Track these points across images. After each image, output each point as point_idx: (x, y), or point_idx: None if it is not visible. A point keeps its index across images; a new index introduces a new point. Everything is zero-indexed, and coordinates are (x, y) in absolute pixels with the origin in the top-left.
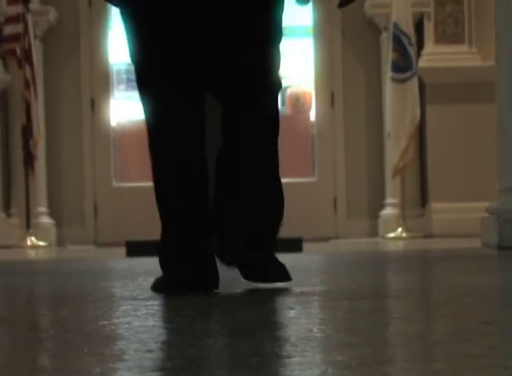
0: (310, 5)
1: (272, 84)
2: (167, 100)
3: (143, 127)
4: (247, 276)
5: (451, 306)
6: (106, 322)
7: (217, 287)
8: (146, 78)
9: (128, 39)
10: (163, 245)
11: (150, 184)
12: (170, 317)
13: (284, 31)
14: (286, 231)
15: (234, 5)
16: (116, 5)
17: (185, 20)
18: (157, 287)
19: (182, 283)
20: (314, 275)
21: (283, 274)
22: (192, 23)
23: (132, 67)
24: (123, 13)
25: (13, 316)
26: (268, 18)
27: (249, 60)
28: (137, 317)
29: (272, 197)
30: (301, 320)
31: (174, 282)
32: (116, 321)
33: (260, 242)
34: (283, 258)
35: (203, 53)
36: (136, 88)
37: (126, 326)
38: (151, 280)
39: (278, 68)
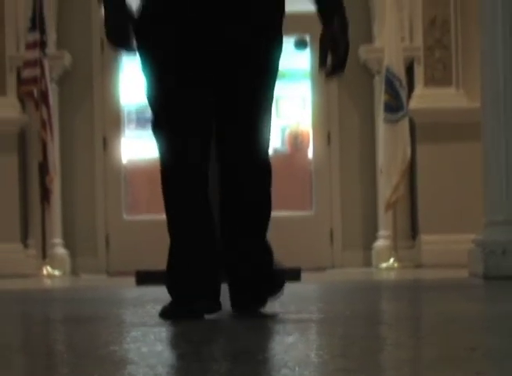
0: (308, 50)
1: (266, 139)
2: (178, 141)
3: (152, 164)
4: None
5: (440, 333)
6: (116, 347)
7: (217, 311)
8: (161, 120)
9: (146, 84)
10: (170, 273)
11: (158, 217)
12: (176, 343)
13: (284, 75)
14: (285, 261)
15: (239, 59)
16: (130, 50)
17: (195, 71)
18: (165, 313)
19: (188, 309)
20: (311, 303)
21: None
22: (203, 72)
23: (149, 109)
24: (142, 60)
25: (29, 341)
26: (266, 62)
27: (248, 108)
28: (146, 343)
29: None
30: (299, 346)
31: (180, 308)
32: (126, 346)
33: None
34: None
35: (211, 100)
36: (150, 127)
37: (135, 351)
38: (159, 308)
39: (269, 129)
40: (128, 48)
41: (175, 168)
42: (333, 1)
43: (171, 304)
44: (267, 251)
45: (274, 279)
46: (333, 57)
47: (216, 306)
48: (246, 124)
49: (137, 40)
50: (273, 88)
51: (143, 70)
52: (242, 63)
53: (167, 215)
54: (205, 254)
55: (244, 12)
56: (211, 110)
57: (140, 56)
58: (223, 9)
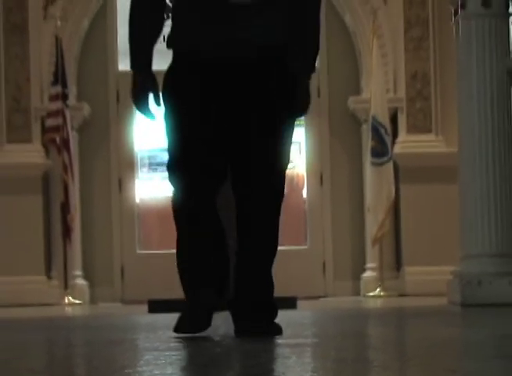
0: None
1: (280, 181)
2: (189, 183)
3: (162, 203)
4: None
5: (422, 356)
6: (131, 370)
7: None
8: (175, 165)
9: (167, 130)
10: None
11: (168, 251)
12: (185, 366)
13: None
14: (282, 291)
15: (249, 116)
16: (151, 117)
17: (208, 124)
18: (178, 328)
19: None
20: (306, 328)
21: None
22: (214, 126)
23: (161, 154)
24: (166, 109)
25: (52, 365)
26: (279, 123)
27: (260, 156)
28: (157, 366)
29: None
30: (296, 368)
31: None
32: (139, 369)
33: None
34: (281, 314)
35: (220, 148)
36: (166, 168)
37: (148, 374)
38: (169, 333)
39: (285, 162)
40: (149, 115)
41: (187, 206)
42: (309, 62)
43: (181, 318)
44: (271, 281)
45: (273, 308)
46: (299, 103)
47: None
48: (267, 160)
49: (163, 92)
50: (291, 134)
51: (165, 118)
52: (256, 118)
53: (178, 246)
54: (202, 281)
55: (263, 88)
56: (226, 157)
57: (165, 105)
58: (242, 78)
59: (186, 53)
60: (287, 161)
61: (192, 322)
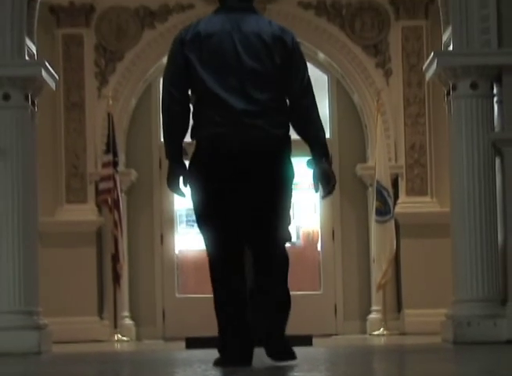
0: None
1: (282, 239)
2: (215, 238)
3: (198, 254)
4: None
5: None
6: None
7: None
8: (201, 223)
9: (192, 200)
10: (219, 338)
11: (203, 296)
12: None
13: (298, 186)
14: (300, 330)
15: (257, 190)
16: (182, 195)
17: (221, 200)
18: (217, 363)
19: (231, 362)
20: (321, 363)
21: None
22: (230, 196)
23: (194, 215)
24: (191, 186)
25: None
26: (282, 196)
27: (268, 222)
28: None
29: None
30: None
31: (226, 361)
32: None
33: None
34: (298, 350)
35: (237, 213)
36: (196, 227)
37: None
38: (204, 367)
39: (288, 226)
40: (180, 193)
41: (218, 258)
42: (322, 149)
43: (220, 358)
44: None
45: (289, 345)
46: (326, 186)
47: (248, 362)
48: (269, 230)
49: (189, 174)
50: (289, 204)
51: (191, 190)
52: (265, 190)
53: (215, 293)
54: (241, 324)
55: (268, 169)
56: (242, 220)
57: (190, 184)
58: (250, 165)
59: (205, 145)
60: (288, 224)
61: (241, 357)
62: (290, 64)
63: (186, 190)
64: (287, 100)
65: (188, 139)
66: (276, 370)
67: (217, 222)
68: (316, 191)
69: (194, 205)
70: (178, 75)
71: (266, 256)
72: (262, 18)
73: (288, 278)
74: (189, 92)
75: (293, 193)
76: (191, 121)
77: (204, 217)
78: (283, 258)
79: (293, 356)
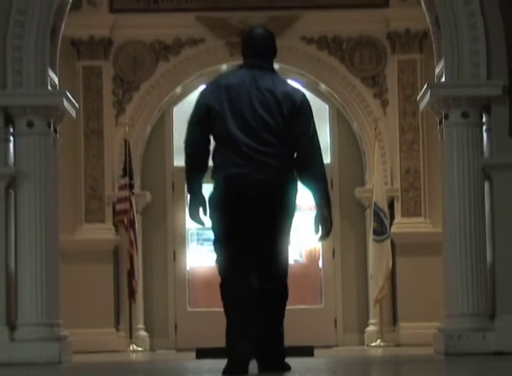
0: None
1: (283, 266)
2: (229, 257)
3: (208, 271)
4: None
5: None
6: None
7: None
8: (219, 243)
9: (212, 226)
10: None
11: (212, 309)
12: None
13: (300, 208)
14: (302, 341)
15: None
16: (201, 223)
17: (235, 228)
18: (224, 371)
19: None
20: (322, 372)
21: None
22: (242, 222)
23: (207, 232)
24: (210, 216)
25: None
26: (284, 224)
27: (268, 249)
28: None
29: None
30: None
31: (230, 365)
32: None
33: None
34: (300, 360)
35: (247, 237)
36: (210, 245)
37: None
38: (212, 375)
39: (287, 256)
40: (200, 222)
41: (226, 269)
42: (322, 198)
43: (227, 366)
44: (282, 336)
45: (284, 354)
46: (323, 230)
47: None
48: (270, 255)
49: (208, 206)
50: (290, 230)
51: (210, 217)
52: (268, 224)
53: (225, 304)
54: (245, 332)
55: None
56: (250, 241)
57: (210, 214)
58: (259, 200)
59: (222, 184)
60: (287, 249)
61: (239, 367)
62: (297, 119)
63: (205, 219)
64: (294, 150)
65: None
66: (280, 375)
67: (230, 242)
68: (316, 233)
69: (213, 229)
70: (200, 120)
71: (268, 271)
72: (278, 77)
73: (288, 286)
74: (210, 136)
75: (296, 214)
76: (210, 162)
77: (220, 239)
78: (283, 278)
79: (286, 368)
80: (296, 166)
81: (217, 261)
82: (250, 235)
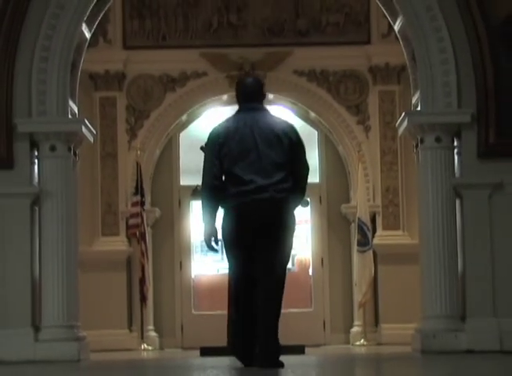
0: (308, 208)
1: (282, 270)
2: (236, 262)
3: (211, 278)
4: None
5: None
6: None
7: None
8: (228, 252)
9: (223, 240)
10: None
11: (214, 312)
12: None
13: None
14: (294, 341)
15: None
16: (214, 250)
17: (244, 246)
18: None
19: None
20: (313, 369)
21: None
22: (248, 244)
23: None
24: (222, 233)
25: None
26: (286, 235)
27: (272, 255)
28: None
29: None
30: None
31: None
32: None
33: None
34: (293, 358)
35: (250, 246)
36: (211, 255)
37: None
38: (215, 372)
39: (287, 262)
40: (212, 249)
41: (237, 278)
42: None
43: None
44: (277, 332)
45: (279, 350)
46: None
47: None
48: (272, 266)
49: (221, 229)
50: (291, 242)
51: (222, 234)
52: (270, 239)
53: (232, 300)
54: (248, 329)
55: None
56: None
57: (222, 236)
58: (262, 217)
59: (232, 212)
60: (288, 260)
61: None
62: (295, 152)
63: (217, 247)
64: (291, 174)
65: None
66: (274, 372)
67: (239, 254)
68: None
69: (224, 244)
70: (214, 164)
71: (269, 281)
72: (271, 115)
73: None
74: (222, 176)
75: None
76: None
77: (230, 251)
78: (280, 282)
79: (280, 365)
80: (292, 184)
81: (229, 270)
82: (255, 247)
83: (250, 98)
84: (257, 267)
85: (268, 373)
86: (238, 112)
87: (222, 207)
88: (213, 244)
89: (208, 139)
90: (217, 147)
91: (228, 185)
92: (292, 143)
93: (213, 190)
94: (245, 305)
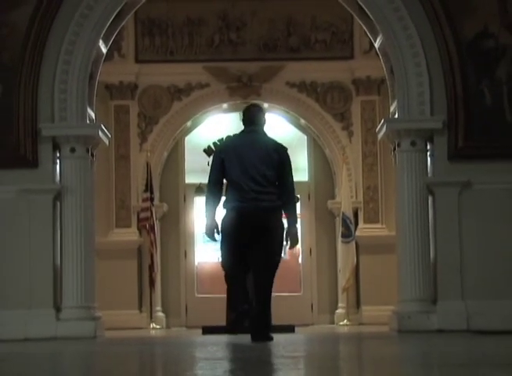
0: (298, 204)
1: (275, 263)
2: (229, 252)
3: (212, 265)
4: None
5: (374, 365)
6: (188, 373)
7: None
8: (223, 242)
9: (221, 234)
10: (231, 305)
11: (215, 296)
12: (227, 369)
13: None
14: (285, 321)
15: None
16: (214, 240)
17: (240, 239)
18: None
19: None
20: (301, 346)
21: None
22: (243, 240)
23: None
24: (221, 229)
25: (141, 368)
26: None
27: (267, 250)
28: (208, 370)
29: (268, 312)
30: (292, 373)
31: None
32: (196, 372)
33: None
34: (284, 336)
35: (245, 243)
36: (219, 248)
37: (201, 373)
38: (215, 348)
39: (280, 256)
40: (213, 239)
41: (229, 266)
42: (294, 220)
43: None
44: (269, 311)
45: (269, 326)
46: (292, 242)
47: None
48: (267, 253)
49: (220, 225)
50: (281, 242)
51: (221, 235)
52: (265, 238)
53: (227, 284)
54: (242, 304)
55: (269, 222)
56: (248, 245)
57: (221, 232)
58: (257, 218)
59: (231, 212)
60: (280, 253)
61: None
62: (283, 169)
63: (217, 237)
64: (279, 188)
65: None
66: (268, 348)
67: (231, 245)
68: (286, 243)
69: (222, 236)
70: (217, 170)
71: (263, 266)
72: (268, 137)
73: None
74: (223, 180)
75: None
76: (222, 197)
77: (225, 241)
78: (272, 271)
79: (270, 339)
80: (280, 194)
81: (221, 259)
82: (249, 242)
83: (251, 123)
84: (254, 260)
85: (262, 348)
86: (241, 133)
87: (224, 207)
88: (215, 234)
89: (214, 152)
90: (219, 161)
91: (230, 190)
92: (281, 161)
93: (214, 193)
94: (235, 285)
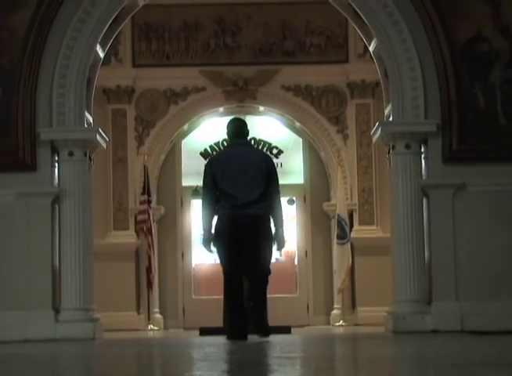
0: (294, 205)
1: (266, 270)
2: (225, 254)
3: (209, 267)
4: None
5: (370, 365)
6: (186, 374)
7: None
8: (218, 246)
9: (216, 240)
10: (227, 322)
11: (211, 297)
12: (222, 370)
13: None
14: (282, 322)
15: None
16: (210, 251)
17: (233, 246)
18: (227, 338)
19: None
20: (297, 347)
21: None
22: (237, 246)
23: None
24: (215, 235)
25: (139, 369)
26: (267, 239)
27: (257, 257)
28: (205, 370)
29: (264, 313)
30: (290, 371)
31: (231, 336)
32: (193, 373)
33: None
34: (280, 337)
35: (239, 248)
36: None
37: (199, 374)
38: (212, 349)
39: (270, 261)
40: (209, 250)
41: (227, 272)
42: (281, 225)
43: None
44: (264, 311)
45: (267, 327)
46: (279, 245)
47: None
48: (258, 260)
49: (214, 233)
50: (270, 247)
51: (215, 236)
52: (254, 242)
53: (225, 292)
54: (240, 310)
55: (258, 228)
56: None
57: (215, 240)
58: (247, 226)
59: (223, 218)
60: (270, 259)
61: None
62: (270, 179)
63: (213, 248)
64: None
65: None
66: (265, 347)
67: (224, 247)
68: (273, 245)
69: (216, 241)
70: (209, 184)
71: (255, 274)
72: (255, 148)
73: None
74: (216, 193)
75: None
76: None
77: (219, 246)
78: (265, 279)
79: (268, 334)
80: (268, 206)
81: (220, 262)
82: (242, 245)
83: (237, 136)
84: (246, 267)
85: (259, 348)
86: (229, 146)
87: (217, 213)
88: (211, 247)
89: (205, 166)
90: (210, 175)
91: (223, 199)
92: (268, 170)
93: (210, 205)
94: (233, 287)
